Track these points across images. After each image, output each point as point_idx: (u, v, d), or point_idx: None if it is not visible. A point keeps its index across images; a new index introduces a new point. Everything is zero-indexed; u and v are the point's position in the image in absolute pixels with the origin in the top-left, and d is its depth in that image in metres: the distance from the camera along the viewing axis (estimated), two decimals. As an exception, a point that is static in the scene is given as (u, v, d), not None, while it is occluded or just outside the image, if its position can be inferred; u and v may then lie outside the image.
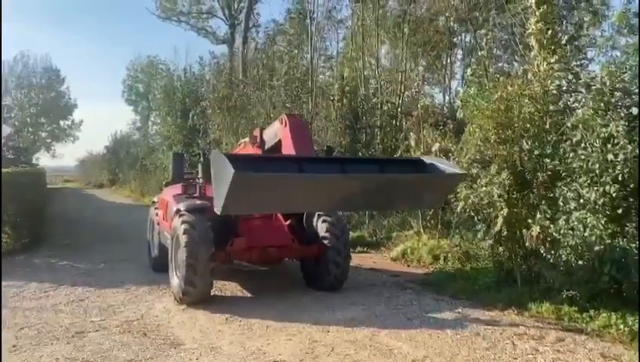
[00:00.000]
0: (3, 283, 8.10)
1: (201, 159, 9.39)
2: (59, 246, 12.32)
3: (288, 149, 6.65)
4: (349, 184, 5.93)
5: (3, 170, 11.49)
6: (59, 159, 53.58)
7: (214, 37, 29.07)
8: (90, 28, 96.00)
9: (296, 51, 19.46)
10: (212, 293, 7.49)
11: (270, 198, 5.67)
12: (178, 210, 7.65)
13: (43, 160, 49.20)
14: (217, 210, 5.44)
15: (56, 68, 49.37)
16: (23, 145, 32.25)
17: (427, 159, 6.56)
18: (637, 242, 5.90)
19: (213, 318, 6.68)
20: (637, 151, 5.94)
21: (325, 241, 8.04)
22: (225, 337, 5.98)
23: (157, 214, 9.80)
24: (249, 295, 8.07)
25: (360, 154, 15.17)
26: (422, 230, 11.77)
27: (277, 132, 7.15)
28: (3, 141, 21.67)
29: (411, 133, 12.63)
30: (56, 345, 5.66)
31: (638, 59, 6.42)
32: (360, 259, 10.68)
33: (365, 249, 12.21)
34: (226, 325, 6.43)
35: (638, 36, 6.60)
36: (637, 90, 6.23)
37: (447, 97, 19.40)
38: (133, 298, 7.71)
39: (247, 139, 7.72)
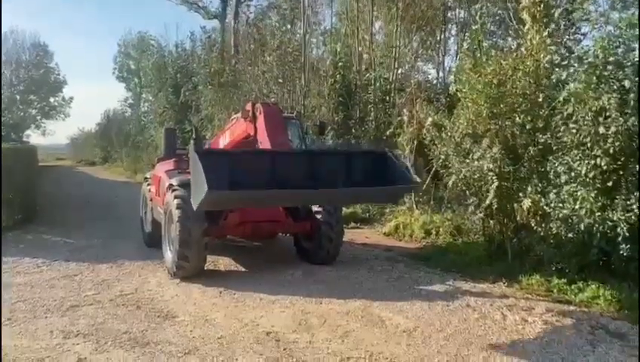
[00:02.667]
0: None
1: (193, 135, 9.36)
2: (52, 223, 12.29)
3: (263, 141, 6.63)
4: (320, 197, 6.41)
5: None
6: (50, 137, 53.13)
7: (205, 12, 28.61)
8: (79, 3, 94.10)
9: (289, 26, 19.21)
10: (206, 268, 7.53)
11: (242, 204, 6.52)
12: (170, 186, 7.64)
13: (34, 138, 48.82)
14: (193, 207, 5.48)
15: (44, 44, 48.65)
16: (12, 122, 31.93)
17: (390, 154, 6.58)
18: (626, 214, 5.95)
19: (206, 292, 6.72)
20: (628, 123, 5.96)
21: (318, 216, 8.08)
22: (219, 310, 6.03)
23: (150, 190, 9.78)
24: (243, 269, 8.12)
25: (353, 130, 15.14)
26: (414, 206, 11.84)
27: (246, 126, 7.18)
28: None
29: (404, 110, 12.59)
30: (50, 318, 5.69)
31: (636, 32, 6.39)
32: (353, 235, 10.75)
33: (358, 224, 12.30)
34: (219, 298, 6.49)
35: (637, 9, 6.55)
36: (629, 63, 6.22)
37: (440, 73, 19.32)
38: (126, 273, 7.74)
39: (239, 115, 7.66)
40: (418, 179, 6.64)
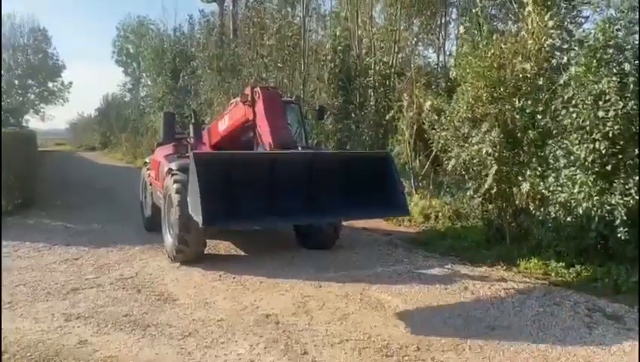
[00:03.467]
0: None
1: (192, 120, 9.34)
2: (52, 208, 12.33)
3: (262, 125, 6.61)
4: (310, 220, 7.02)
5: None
6: (49, 122, 52.98)
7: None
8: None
9: (288, 10, 19.04)
10: (206, 252, 7.56)
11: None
12: (170, 170, 7.64)
13: (33, 123, 48.64)
14: (190, 212, 5.50)
15: (43, 28, 48.25)
16: (11, 107, 31.79)
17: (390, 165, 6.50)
18: (625, 198, 5.97)
19: (206, 275, 6.76)
20: (628, 107, 5.94)
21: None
22: (219, 293, 6.08)
23: (149, 175, 9.79)
24: (242, 253, 8.16)
25: (353, 115, 15.08)
26: (414, 191, 11.85)
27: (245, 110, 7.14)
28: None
29: (404, 94, 12.54)
30: (51, 301, 5.74)
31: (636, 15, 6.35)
32: (352, 219, 10.76)
33: (357, 209, 12.27)
34: (219, 282, 6.53)
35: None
36: (629, 47, 6.19)
37: (440, 58, 19.20)
38: (126, 257, 7.78)
39: (238, 99, 7.63)
40: (408, 209, 6.75)
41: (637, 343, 4.66)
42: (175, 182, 7.21)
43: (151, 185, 9.54)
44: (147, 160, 10.63)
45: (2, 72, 40.06)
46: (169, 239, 7.47)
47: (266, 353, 4.44)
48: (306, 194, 6.04)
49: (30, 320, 5.19)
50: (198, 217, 5.14)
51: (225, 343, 4.64)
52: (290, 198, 5.91)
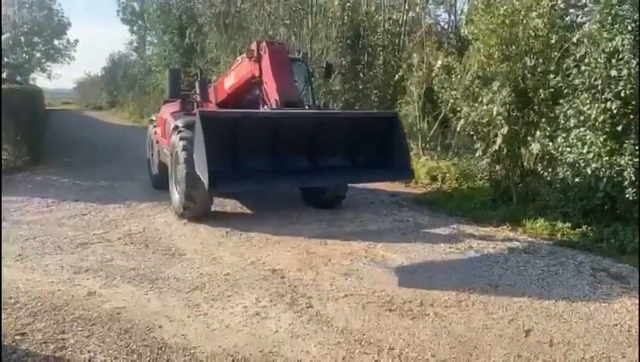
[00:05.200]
0: (5, 198, 8.19)
1: (199, 78, 9.24)
2: (60, 165, 12.40)
3: (269, 82, 6.53)
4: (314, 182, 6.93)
5: (-2, 87, 11.34)
6: (56, 81, 52.76)
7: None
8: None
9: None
10: (212, 209, 7.61)
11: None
12: (176, 127, 7.61)
13: (40, 81, 48.29)
14: (197, 171, 5.53)
15: (46, -17, 47.39)
16: (16, 63, 31.57)
17: (398, 122, 6.45)
18: (634, 159, 5.90)
19: (213, 232, 6.82)
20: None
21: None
22: (225, 248, 6.14)
23: (156, 132, 9.78)
24: (249, 211, 8.20)
25: (361, 75, 14.85)
26: (421, 152, 11.79)
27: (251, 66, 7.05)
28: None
29: (414, 54, 12.31)
30: (60, 255, 5.82)
31: None
32: (359, 179, 10.76)
33: (364, 169, 12.25)
34: (226, 238, 6.59)
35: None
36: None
37: (452, 17, 18.77)
38: (134, 213, 7.85)
39: (244, 55, 7.52)
40: (413, 171, 6.76)
41: (637, 301, 4.70)
42: (181, 139, 7.20)
43: (157, 142, 9.53)
44: (153, 117, 10.60)
45: (9, 28, 39.67)
46: (176, 196, 7.51)
47: (272, 306, 4.51)
48: (311, 155, 6.03)
49: (40, 272, 5.28)
50: (204, 179, 5.15)
51: (231, 296, 4.71)
52: (294, 160, 5.92)
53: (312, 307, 4.50)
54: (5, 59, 24.98)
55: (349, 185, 8.39)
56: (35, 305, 4.45)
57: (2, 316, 4.13)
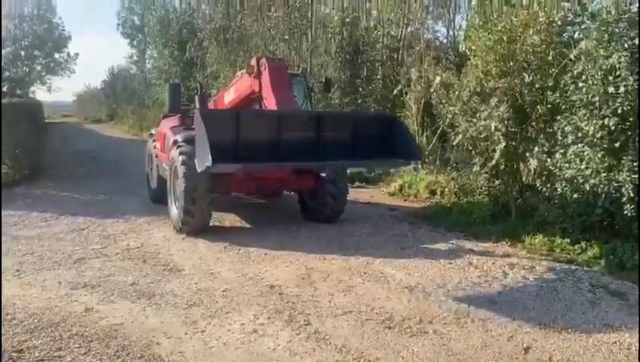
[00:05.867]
0: (3, 212, 8.18)
1: (198, 92, 9.27)
2: (59, 178, 12.39)
3: (268, 97, 6.57)
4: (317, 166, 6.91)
5: (-2, 101, 11.38)
6: (56, 93, 52.78)
7: (211, -35, 27.87)
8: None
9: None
10: (211, 224, 7.61)
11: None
12: (175, 141, 7.64)
13: (40, 94, 48.35)
14: (197, 168, 5.55)
15: (47, -4, 47.65)
16: (17, 77, 31.64)
17: (399, 124, 6.71)
18: (632, 175, 5.92)
19: (212, 247, 6.81)
20: (637, 84, 5.85)
21: (323, 175, 8.08)
22: (223, 264, 6.12)
23: (155, 146, 9.79)
24: (247, 226, 8.19)
25: (360, 89, 14.95)
26: (420, 166, 11.79)
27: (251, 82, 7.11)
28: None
29: (413, 69, 12.41)
30: (58, 270, 5.80)
31: None
32: (357, 194, 10.78)
33: (363, 184, 12.31)
34: (224, 253, 6.57)
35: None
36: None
37: (450, 32, 18.93)
38: (133, 227, 7.83)
39: (244, 71, 7.58)
40: (421, 153, 6.75)
41: (637, 318, 4.68)
42: (181, 153, 7.22)
43: (157, 156, 9.55)
44: (153, 131, 10.62)
45: (9, 42, 39.84)
46: (175, 210, 7.51)
47: (270, 323, 4.49)
48: (313, 139, 6.04)
49: (37, 287, 5.26)
50: (206, 159, 5.09)
51: (229, 313, 4.69)
52: (295, 152, 5.91)
53: (310, 324, 4.47)
54: (6, 73, 25.05)
55: (347, 199, 8.40)
56: (32, 322, 4.42)
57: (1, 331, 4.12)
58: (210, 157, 5.01)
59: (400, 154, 6.16)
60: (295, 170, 8.09)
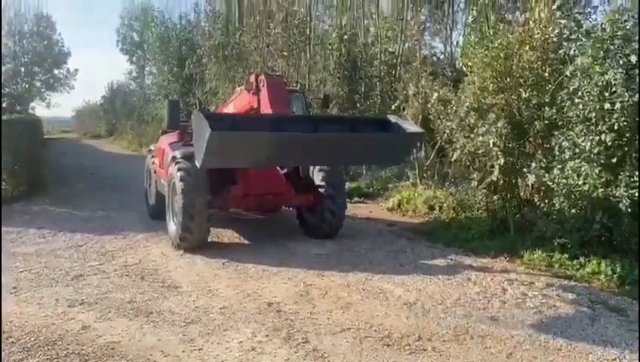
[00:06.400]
0: (2, 228, 8.17)
1: (198, 108, 9.34)
2: (57, 194, 12.38)
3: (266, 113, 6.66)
4: (319, 141, 6.40)
5: (-3, 117, 11.40)
6: (55, 109, 52.87)
7: (210, -18, 28.17)
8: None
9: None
10: (209, 240, 7.60)
11: (245, 154, 6.04)
12: (174, 158, 7.65)
13: (39, 110, 48.47)
14: (197, 164, 5.65)
15: (47, 14, 48.01)
16: (16, 93, 31.77)
17: (393, 118, 6.96)
18: (630, 190, 5.93)
19: (210, 263, 6.79)
20: (634, 99, 5.89)
21: (321, 190, 8.10)
22: (222, 281, 6.10)
23: (153, 162, 9.81)
24: (246, 242, 8.18)
25: (358, 105, 15.03)
26: (418, 181, 11.82)
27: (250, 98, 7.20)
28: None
29: (410, 84, 12.47)
30: (55, 287, 5.78)
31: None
32: (356, 209, 10.78)
33: (362, 199, 12.31)
34: (222, 269, 6.55)
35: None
36: (636, 38, 6.12)
37: (447, 48, 19.08)
38: (131, 244, 7.81)
39: (243, 87, 7.64)
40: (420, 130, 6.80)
41: (638, 334, 4.66)
42: (179, 169, 7.23)
43: (155, 172, 9.56)
44: (152, 147, 10.64)
45: (8, 59, 40.05)
46: (173, 227, 7.50)
47: (268, 341, 4.46)
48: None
49: (34, 305, 5.23)
50: (205, 136, 5.16)
51: (227, 330, 4.66)
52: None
53: (308, 342, 4.45)
54: (6, 90, 25.15)
55: (345, 215, 8.40)
56: (29, 340, 4.40)
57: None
58: (209, 128, 5.05)
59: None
60: (294, 185, 8.13)
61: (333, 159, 7.27)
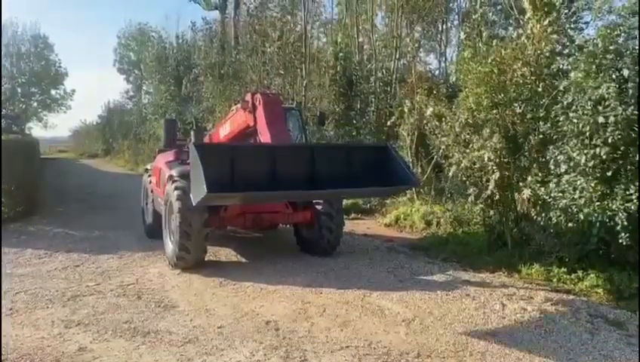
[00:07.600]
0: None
1: (194, 127, 9.37)
2: (54, 215, 12.34)
3: (263, 131, 6.67)
4: (313, 196, 6.92)
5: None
6: (52, 129, 53.03)
7: (205, 2, 28.46)
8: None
9: (289, 17, 19.11)
10: (206, 258, 7.55)
11: (240, 201, 6.70)
12: (171, 176, 7.65)
13: (36, 130, 48.68)
14: (192, 201, 5.61)
15: (45, 35, 48.38)
16: (13, 114, 31.85)
17: (391, 149, 6.66)
18: (626, 204, 5.95)
19: (207, 282, 6.75)
20: (627, 113, 5.93)
21: (319, 207, 8.09)
22: (219, 300, 6.06)
23: (150, 181, 9.80)
24: (243, 260, 8.14)
25: (354, 121, 15.11)
26: (415, 197, 11.84)
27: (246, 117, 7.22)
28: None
29: (405, 100, 12.55)
30: (52, 308, 5.73)
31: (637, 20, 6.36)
32: (353, 226, 10.78)
33: (359, 215, 12.33)
34: (219, 288, 6.51)
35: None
36: (628, 52, 6.19)
37: (442, 64, 19.28)
38: (127, 263, 7.77)
39: (239, 105, 7.67)
40: (418, 179, 6.80)
41: (638, 349, 4.64)
42: (176, 188, 7.22)
43: (152, 191, 9.55)
44: (148, 166, 10.65)
45: (5, 80, 40.22)
46: (170, 246, 7.47)
47: (266, 360, 4.42)
48: (308, 169, 6.11)
49: (30, 327, 5.18)
50: (201, 189, 5.08)
51: (225, 350, 4.62)
52: (291, 183, 5.96)
53: (307, 360, 4.41)
54: (3, 110, 25.21)
55: (343, 231, 8.40)
56: (24, 363, 4.35)
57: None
58: (205, 187, 4.99)
59: (397, 182, 6.19)
60: (291, 203, 8.13)
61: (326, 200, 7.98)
